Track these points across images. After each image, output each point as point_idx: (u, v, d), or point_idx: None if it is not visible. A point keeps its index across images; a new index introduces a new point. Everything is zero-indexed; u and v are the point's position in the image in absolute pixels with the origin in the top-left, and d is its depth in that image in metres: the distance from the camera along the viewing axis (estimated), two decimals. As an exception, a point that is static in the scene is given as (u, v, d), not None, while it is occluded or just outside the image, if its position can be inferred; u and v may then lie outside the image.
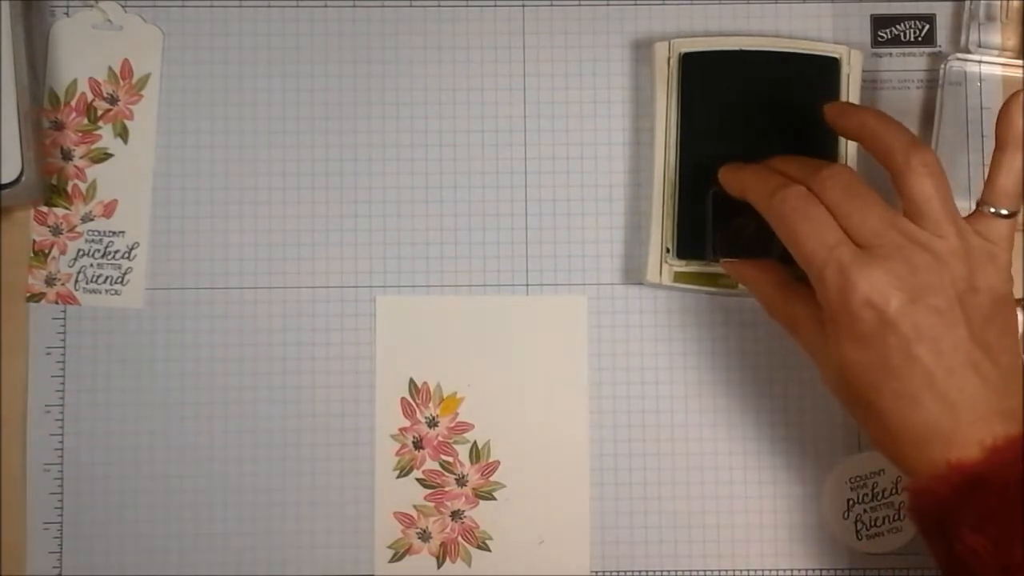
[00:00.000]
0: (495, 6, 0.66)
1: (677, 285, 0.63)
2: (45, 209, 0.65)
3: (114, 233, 0.65)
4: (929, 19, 0.66)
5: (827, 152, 0.63)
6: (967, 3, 0.65)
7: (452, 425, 0.64)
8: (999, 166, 0.54)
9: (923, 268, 0.51)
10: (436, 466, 0.64)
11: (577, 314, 0.65)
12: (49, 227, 0.65)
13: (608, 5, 0.66)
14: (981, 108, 0.65)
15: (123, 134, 0.65)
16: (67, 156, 0.65)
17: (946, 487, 0.49)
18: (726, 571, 0.64)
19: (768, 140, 0.64)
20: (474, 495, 0.64)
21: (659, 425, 0.64)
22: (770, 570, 0.64)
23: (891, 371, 0.50)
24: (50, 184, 0.65)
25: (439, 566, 0.64)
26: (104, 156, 0.65)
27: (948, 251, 0.51)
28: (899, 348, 0.50)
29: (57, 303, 0.65)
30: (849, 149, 0.64)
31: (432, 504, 0.64)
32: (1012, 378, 0.51)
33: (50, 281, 0.65)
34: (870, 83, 0.66)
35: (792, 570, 0.64)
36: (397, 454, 0.64)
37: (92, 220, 0.65)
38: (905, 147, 0.53)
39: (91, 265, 0.65)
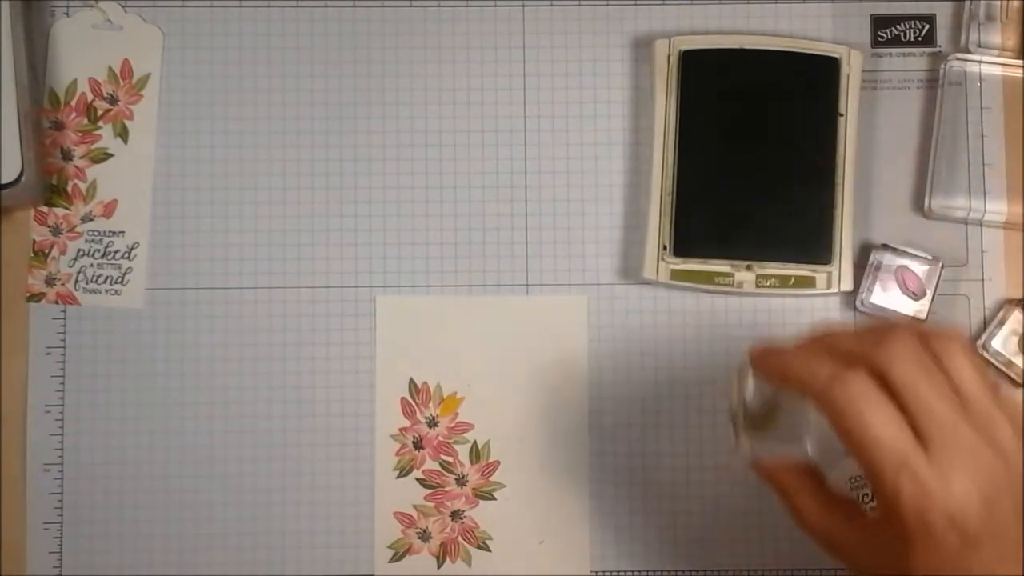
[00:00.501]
0: (495, 6, 0.66)
1: (675, 283, 0.63)
2: (45, 209, 0.65)
3: (114, 233, 0.65)
4: (929, 19, 0.66)
5: (826, 153, 0.63)
6: (967, 3, 0.65)
7: (452, 425, 0.64)
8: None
9: (990, 466, 0.46)
10: (436, 466, 0.64)
11: (577, 314, 0.65)
12: (49, 227, 0.65)
13: (608, 5, 0.66)
14: (981, 108, 0.65)
15: (123, 134, 0.65)
16: (67, 156, 0.65)
17: None
18: (726, 571, 0.64)
19: (767, 139, 0.64)
20: (474, 495, 0.64)
21: (659, 425, 0.64)
22: (770, 570, 0.64)
23: None
24: (50, 184, 0.65)
25: (439, 566, 0.64)
26: (104, 156, 0.65)
27: (1005, 438, 0.47)
28: (982, 566, 0.45)
29: (57, 303, 0.65)
30: (848, 151, 0.64)
31: (432, 504, 0.64)
32: None
33: (50, 281, 0.65)
34: (870, 83, 0.66)
35: (792, 570, 0.64)
36: (397, 454, 0.64)
37: (92, 220, 0.65)
38: (823, 384, 0.47)
39: (91, 265, 0.65)
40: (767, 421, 0.51)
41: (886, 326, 0.48)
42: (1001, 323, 0.64)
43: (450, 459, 0.64)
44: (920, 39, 0.66)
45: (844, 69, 0.64)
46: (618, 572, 0.64)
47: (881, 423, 0.46)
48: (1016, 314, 0.64)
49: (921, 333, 0.48)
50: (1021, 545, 0.46)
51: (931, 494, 0.45)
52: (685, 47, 0.64)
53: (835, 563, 0.50)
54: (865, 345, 0.48)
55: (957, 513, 0.45)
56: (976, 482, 0.45)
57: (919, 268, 0.63)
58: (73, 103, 0.65)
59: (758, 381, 0.51)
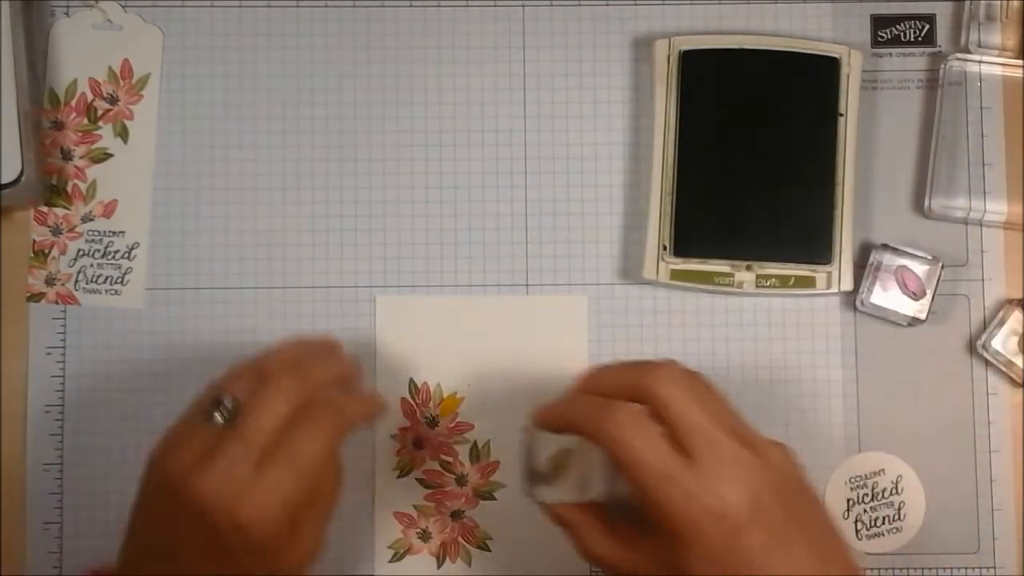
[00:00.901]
0: (495, 6, 0.66)
1: (675, 283, 0.63)
2: (45, 209, 0.65)
3: (114, 233, 0.65)
4: (929, 19, 0.66)
5: (826, 152, 0.63)
6: (967, 3, 0.65)
7: (452, 425, 0.64)
8: None
9: (752, 469, 0.50)
10: (436, 466, 0.64)
11: (577, 314, 0.65)
12: (49, 227, 0.65)
13: (608, 5, 0.66)
14: (981, 108, 0.65)
15: (123, 134, 0.66)
16: (67, 156, 0.65)
17: None
18: (726, 571, 0.64)
19: (767, 139, 0.64)
20: (474, 495, 0.64)
21: (659, 425, 0.64)
22: (770, 570, 0.64)
23: None
24: (50, 184, 0.65)
25: (439, 566, 0.64)
26: (104, 156, 0.65)
27: (758, 449, 0.51)
28: (753, 555, 0.50)
29: (57, 303, 0.65)
30: (848, 151, 0.64)
31: (432, 504, 0.64)
32: (835, 555, 0.52)
33: (50, 281, 0.65)
34: (870, 83, 0.66)
35: (792, 570, 0.64)
36: (397, 454, 0.64)
37: (92, 220, 0.65)
38: (596, 421, 0.52)
39: (91, 265, 0.65)
40: (559, 471, 0.56)
41: (651, 360, 0.53)
42: (1001, 323, 0.64)
43: (450, 459, 0.64)
44: (920, 39, 0.66)
45: (844, 69, 0.64)
46: None
47: (645, 443, 0.50)
48: (1016, 314, 0.64)
49: (685, 368, 0.53)
50: (786, 535, 0.50)
51: (696, 498, 0.49)
52: (685, 47, 0.64)
53: None
54: (634, 375, 0.53)
55: (722, 510, 0.49)
56: (739, 483, 0.49)
57: (919, 268, 0.63)
58: (73, 103, 0.65)
59: (545, 437, 0.55)
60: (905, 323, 0.64)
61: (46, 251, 0.65)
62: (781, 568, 0.50)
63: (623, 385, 0.53)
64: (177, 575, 0.53)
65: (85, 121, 0.65)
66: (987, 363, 0.64)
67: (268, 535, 0.52)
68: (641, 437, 0.51)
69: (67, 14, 0.66)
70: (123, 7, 0.66)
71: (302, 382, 0.55)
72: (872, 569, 0.64)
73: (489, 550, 0.64)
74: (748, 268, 0.63)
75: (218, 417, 0.54)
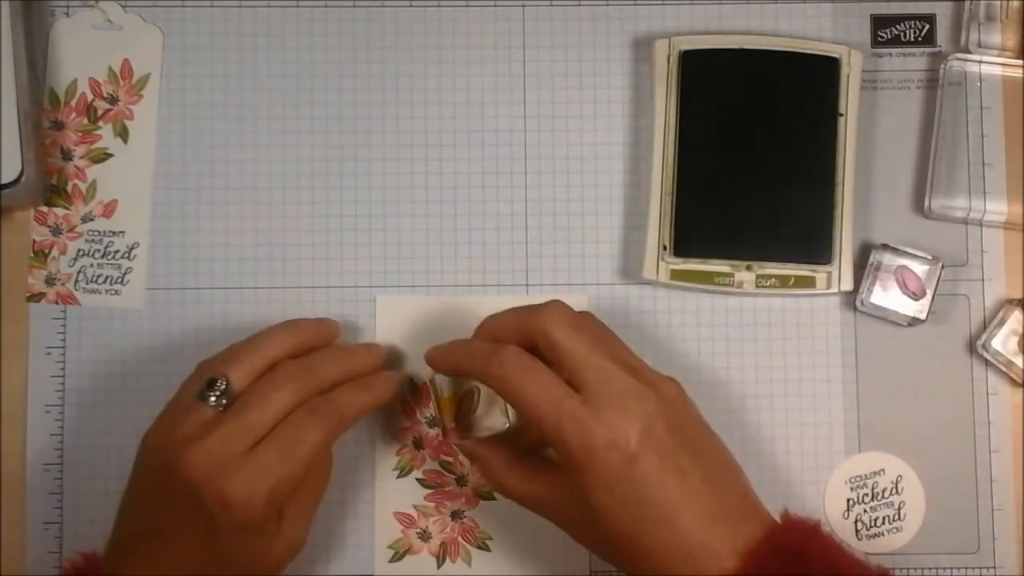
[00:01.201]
0: (495, 6, 0.66)
1: (675, 283, 0.63)
2: (45, 209, 0.65)
3: (114, 233, 0.65)
4: (929, 19, 0.66)
5: (826, 153, 0.63)
6: (967, 3, 0.65)
7: (452, 425, 0.64)
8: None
9: (642, 398, 0.53)
10: (436, 466, 0.64)
11: (577, 314, 0.65)
12: (49, 227, 0.65)
13: (608, 5, 0.66)
14: (981, 108, 0.65)
15: (123, 134, 0.65)
16: (67, 156, 0.65)
17: None
18: (726, 571, 0.64)
19: (767, 139, 0.64)
20: (474, 495, 0.64)
21: (659, 425, 0.64)
22: (770, 570, 0.64)
23: (646, 502, 0.52)
24: (50, 184, 0.65)
25: (439, 566, 0.64)
26: (104, 156, 0.65)
27: (649, 380, 0.54)
28: (647, 478, 0.52)
29: (57, 303, 0.65)
30: (848, 151, 0.64)
31: (432, 504, 0.64)
32: (728, 479, 0.55)
33: (50, 281, 0.65)
34: (870, 83, 0.66)
35: (792, 570, 0.64)
36: (397, 454, 0.64)
37: (92, 220, 0.65)
38: (483, 363, 0.55)
39: (91, 265, 0.65)
40: (465, 408, 0.59)
41: (540, 303, 0.56)
42: (1001, 323, 0.64)
43: (450, 459, 0.64)
44: (920, 39, 0.66)
45: (844, 69, 0.64)
46: (618, 572, 0.64)
47: (536, 384, 0.53)
48: (1016, 314, 0.64)
49: (570, 308, 0.55)
50: (679, 462, 0.52)
51: (589, 428, 0.52)
52: (685, 47, 0.64)
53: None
54: (521, 318, 0.55)
55: (614, 439, 0.51)
56: (631, 413, 0.52)
57: (919, 268, 0.63)
58: (73, 103, 0.65)
59: (449, 379, 0.59)
60: (905, 323, 0.64)
61: (46, 251, 0.65)
62: (675, 493, 0.52)
63: (513, 329, 0.56)
64: (166, 554, 0.54)
65: (85, 121, 0.65)
66: (987, 363, 0.64)
67: (253, 516, 0.52)
68: (528, 376, 0.53)
69: (67, 14, 0.66)
70: (123, 7, 0.66)
71: (311, 375, 0.56)
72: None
73: (489, 550, 0.64)
74: (748, 268, 0.63)
75: (212, 398, 0.55)
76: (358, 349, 0.62)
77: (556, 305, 0.55)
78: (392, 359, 0.64)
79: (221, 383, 0.55)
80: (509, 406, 0.58)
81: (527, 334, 0.55)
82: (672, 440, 0.53)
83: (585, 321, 0.55)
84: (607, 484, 0.52)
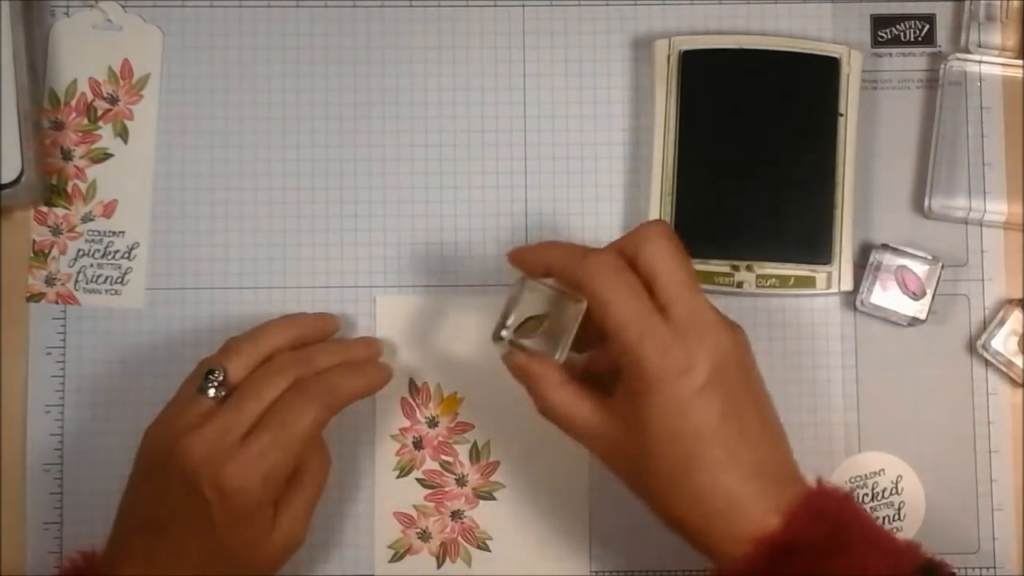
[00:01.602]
0: (495, 6, 0.66)
1: (676, 284, 0.63)
2: (45, 209, 0.65)
3: (114, 233, 0.65)
4: (929, 19, 0.66)
5: (826, 153, 0.63)
6: (967, 3, 0.65)
7: (452, 425, 0.64)
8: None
9: (721, 334, 0.52)
10: (436, 466, 0.64)
11: (577, 314, 0.65)
12: (49, 227, 0.65)
13: (608, 5, 0.66)
14: (981, 108, 0.65)
15: (123, 134, 0.65)
16: (67, 156, 0.65)
17: (758, 564, 0.51)
18: (726, 571, 0.64)
19: (767, 139, 0.64)
20: (474, 495, 0.64)
21: (659, 425, 0.64)
22: (770, 570, 0.64)
23: (704, 438, 0.51)
24: (50, 184, 0.65)
25: (439, 566, 0.64)
26: (104, 156, 0.65)
27: (729, 320, 0.53)
28: (711, 413, 0.51)
29: (57, 303, 0.65)
30: (848, 151, 0.64)
31: (432, 504, 0.64)
32: (778, 437, 0.54)
33: (50, 281, 0.65)
34: (870, 83, 0.66)
35: (792, 570, 0.64)
36: (397, 454, 0.64)
37: (92, 220, 0.65)
38: (578, 261, 0.53)
39: (91, 265, 0.65)
40: (533, 326, 0.56)
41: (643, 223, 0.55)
42: (1001, 323, 0.64)
43: (450, 459, 0.64)
44: (920, 39, 0.66)
45: (844, 69, 0.64)
46: (618, 572, 0.64)
47: (627, 291, 0.52)
48: (1016, 314, 0.64)
49: (672, 230, 0.54)
50: (741, 405, 0.52)
51: (668, 348, 0.51)
52: (685, 47, 0.64)
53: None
54: (624, 236, 0.54)
55: (690, 364, 0.51)
56: (710, 345, 0.51)
57: (919, 268, 0.63)
58: (73, 103, 0.65)
59: (529, 297, 0.56)
60: (905, 323, 0.64)
61: (46, 251, 0.65)
62: (732, 438, 0.52)
63: (616, 242, 0.54)
64: (164, 548, 0.54)
65: (85, 121, 0.65)
66: (987, 363, 0.64)
67: (249, 504, 0.53)
68: (621, 280, 0.52)
69: (67, 14, 0.66)
70: (123, 7, 0.66)
71: (307, 365, 0.56)
72: (929, 554, 0.63)
73: (489, 550, 0.64)
74: (748, 268, 0.63)
75: (211, 390, 0.55)
76: (356, 342, 0.63)
77: (659, 223, 0.55)
78: (391, 354, 0.64)
79: (219, 373, 0.56)
80: (567, 345, 0.55)
81: (624, 244, 0.54)
82: (740, 383, 0.52)
83: (682, 248, 0.54)
84: (671, 411, 0.51)
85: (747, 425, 0.52)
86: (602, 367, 0.56)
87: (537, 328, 0.56)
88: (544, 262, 0.56)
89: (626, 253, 0.53)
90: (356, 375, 0.58)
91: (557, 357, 0.55)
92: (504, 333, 0.55)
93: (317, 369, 0.57)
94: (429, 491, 0.64)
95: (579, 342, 0.55)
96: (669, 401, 0.51)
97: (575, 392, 0.55)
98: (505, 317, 0.56)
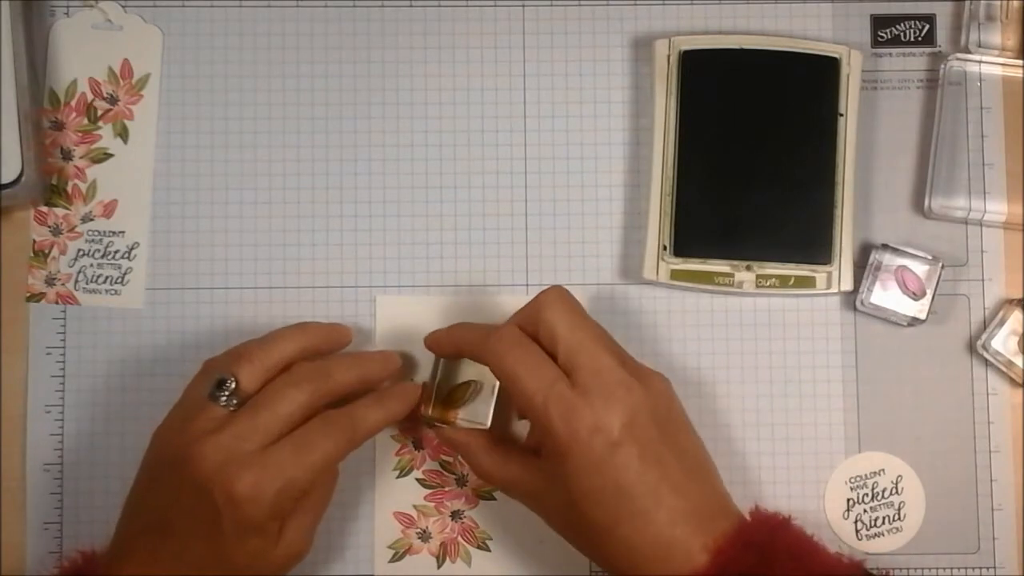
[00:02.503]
0: (495, 6, 0.66)
1: (675, 283, 0.63)
2: (45, 209, 0.65)
3: (114, 233, 0.65)
4: (929, 19, 0.66)
5: (826, 153, 0.63)
6: (967, 3, 0.65)
7: (432, 412, 0.64)
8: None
9: (629, 389, 0.54)
10: (436, 466, 0.64)
11: (577, 314, 0.65)
12: (49, 227, 0.65)
13: (608, 5, 0.66)
14: (981, 108, 0.65)
15: (123, 134, 0.66)
16: (67, 156, 0.65)
17: None
18: (726, 571, 0.64)
19: (767, 139, 0.64)
20: (474, 495, 0.64)
21: (659, 425, 0.64)
22: (770, 570, 0.64)
23: (625, 491, 0.53)
24: (50, 184, 0.65)
25: (439, 566, 0.64)
26: (104, 156, 0.65)
27: (638, 373, 0.55)
28: (628, 467, 0.53)
29: (57, 303, 0.65)
30: (848, 151, 0.64)
31: (432, 504, 0.64)
32: (703, 476, 0.56)
33: (50, 281, 0.65)
34: (870, 83, 0.66)
35: (792, 570, 0.64)
36: (397, 454, 0.64)
37: (92, 220, 0.65)
38: (482, 341, 0.56)
39: (91, 265, 0.65)
40: (456, 398, 0.60)
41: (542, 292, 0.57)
42: (1001, 323, 0.64)
43: (450, 459, 0.64)
44: (920, 39, 0.66)
45: (844, 69, 0.64)
46: (618, 572, 0.64)
47: (530, 363, 0.54)
48: (1016, 314, 0.64)
49: (570, 294, 0.57)
50: (660, 454, 0.54)
51: (576, 411, 0.53)
52: (685, 47, 0.64)
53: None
54: (524, 308, 0.57)
55: (599, 423, 0.53)
56: (618, 401, 0.53)
57: (919, 268, 0.63)
58: (73, 103, 0.65)
59: (447, 365, 0.61)
60: (905, 323, 0.64)
61: (46, 251, 0.65)
62: (653, 485, 0.53)
63: (516, 318, 0.57)
64: (169, 550, 0.54)
65: (85, 121, 0.65)
66: (987, 363, 0.64)
67: (258, 515, 0.53)
68: (524, 353, 0.54)
69: (67, 14, 0.66)
70: (123, 7, 0.66)
71: (326, 378, 0.56)
72: (872, 569, 0.63)
73: (489, 550, 0.64)
74: (748, 268, 0.63)
75: (223, 399, 0.55)
76: (374, 357, 0.62)
77: (556, 288, 0.57)
78: (407, 367, 0.64)
79: (230, 383, 0.55)
80: (491, 408, 0.59)
81: (527, 321, 0.56)
82: (655, 433, 0.54)
83: (580, 310, 0.57)
84: (588, 470, 0.53)
85: (668, 471, 0.54)
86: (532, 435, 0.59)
87: (466, 394, 0.60)
88: (454, 344, 0.59)
89: (527, 324, 0.56)
90: (377, 407, 0.58)
91: (483, 423, 0.59)
92: (427, 412, 0.60)
93: (334, 383, 0.57)
94: (429, 491, 0.64)
95: (511, 412, 0.61)
96: (585, 461, 0.53)
97: (504, 455, 0.58)
98: (429, 396, 0.61)
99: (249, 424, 0.54)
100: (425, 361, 0.64)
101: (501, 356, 0.55)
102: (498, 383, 0.59)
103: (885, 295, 0.63)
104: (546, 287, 0.57)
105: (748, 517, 0.55)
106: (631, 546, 0.53)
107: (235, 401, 0.55)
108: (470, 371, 0.60)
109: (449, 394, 0.61)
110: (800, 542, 0.55)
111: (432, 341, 0.60)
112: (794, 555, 0.54)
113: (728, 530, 0.53)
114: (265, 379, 0.56)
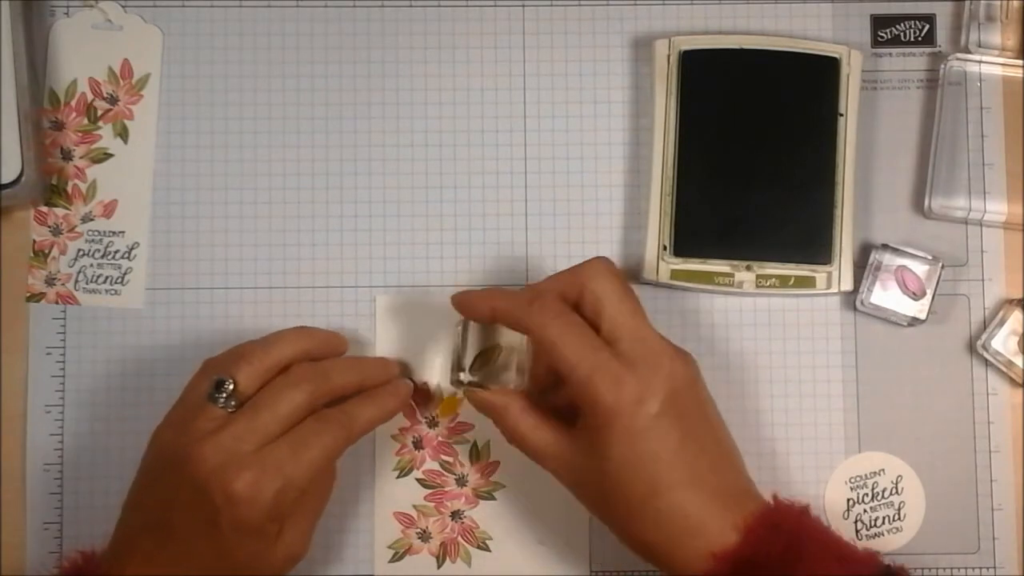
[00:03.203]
0: (495, 6, 0.66)
1: (675, 283, 0.63)
2: (45, 209, 0.65)
3: (114, 233, 0.65)
4: (929, 19, 0.66)
5: (826, 153, 0.63)
6: (967, 3, 0.65)
7: (452, 425, 0.64)
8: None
9: (673, 361, 0.54)
10: (436, 466, 0.64)
11: (577, 314, 0.65)
12: (49, 227, 0.65)
13: (608, 5, 0.66)
14: (981, 108, 0.65)
15: (123, 134, 0.66)
16: (67, 156, 0.65)
17: None
18: (726, 571, 0.64)
19: (767, 139, 0.64)
20: (474, 495, 0.64)
21: (659, 425, 0.64)
22: (770, 570, 0.64)
23: (664, 463, 0.53)
24: (50, 184, 0.65)
25: (439, 566, 0.64)
26: (104, 156, 0.65)
27: (678, 348, 0.55)
28: (669, 438, 0.53)
29: (57, 303, 0.65)
30: (848, 151, 0.64)
31: (432, 504, 0.64)
32: (735, 456, 0.57)
33: (50, 281, 0.65)
34: (870, 83, 0.66)
35: (792, 570, 0.64)
36: (397, 454, 0.64)
37: (92, 220, 0.65)
38: (522, 310, 0.55)
39: (91, 265, 0.65)
40: (486, 360, 0.60)
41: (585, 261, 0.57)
42: (1001, 323, 0.64)
43: (450, 459, 0.64)
44: (920, 39, 0.66)
45: (844, 69, 0.64)
46: (618, 572, 0.64)
47: (574, 333, 0.54)
48: (1016, 314, 0.64)
49: (614, 265, 0.56)
50: (696, 428, 0.54)
51: (621, 381, 0.53)
52: (685, 47, 0.64)
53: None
54: (565, 274, 0.56)
55: (644, 394, 0.53)
56: (662, 371, 0.53)
57: (919, 268, 0.63)
58: (73, 103, 0.65)
59: (474, 334, 0.60)
60: (905, 323, 0.64)
61: (46, 251, 0.65)
62: (691, 461, 0.53)
63: (555, 284, 0.56)
64: (168, 551, 0.54)
65: (85, 121, 0.65)
66: (987, 363, 0.64)
67: (256, 515, 0.53)
68: (567, 323, 0.54)
69: (67, 14, 0.66)
70: (123, 7, 0.66)
71: (325, 380, 0.56)
72: (887, 561, 0.63)
73: (489, 550, 0.64)
74: (748, 268, 0.63)
75: (221, 401, 0.55)
76: (373, 362, 0.63)
77: (601, 259, 0.56)
78: (405, 374, 0.64)
79: (229, 384, 0.55)
80: (523, 368, 0.59)
81: (569, 286, 0.56)
82: (694, 409, 0.54)
83: (625, 283, 0.56)
84: (630, 439, 0.53)
85: (704, 448, 0.54)
86: (561, 403, 0.58)
87: (492, 359, 0.60)
88: (488, 309, 0.57)
89: (570, 293, 0.56)
90: (370, 404, 0.58)
91: (516, 386, 0.59)
92: (463, 377, 0.59)
93: (333, 384, 0.57)
94: (429, 491, 0.64)
95: (538, 382, 0.58)
96: (627, 430, 0.53)
97: (539, 419, 0.57)
98: (459, 360, 0.59)
99: (248, 425, 0.54)
100: (425, 363, 0.64)
101: (544, 326, 0.54)
102: (530, 346, 0.59)
103: (885, 295, 0.63)
104: (590, 258, 0.57)
105: (771, 501, 0.56)
106: (663, 519, 0.53)
107: (233, 403, 0.55)
108: (496, 335, 0.60)
109: (478, 357, 0.60)
110: (820, 529, 0.56)
111: (464, 303, 0.59)
112: (818, 540, 0.54)
113: (757, 511, 0.54)
114: (264, 380, 0.56)
